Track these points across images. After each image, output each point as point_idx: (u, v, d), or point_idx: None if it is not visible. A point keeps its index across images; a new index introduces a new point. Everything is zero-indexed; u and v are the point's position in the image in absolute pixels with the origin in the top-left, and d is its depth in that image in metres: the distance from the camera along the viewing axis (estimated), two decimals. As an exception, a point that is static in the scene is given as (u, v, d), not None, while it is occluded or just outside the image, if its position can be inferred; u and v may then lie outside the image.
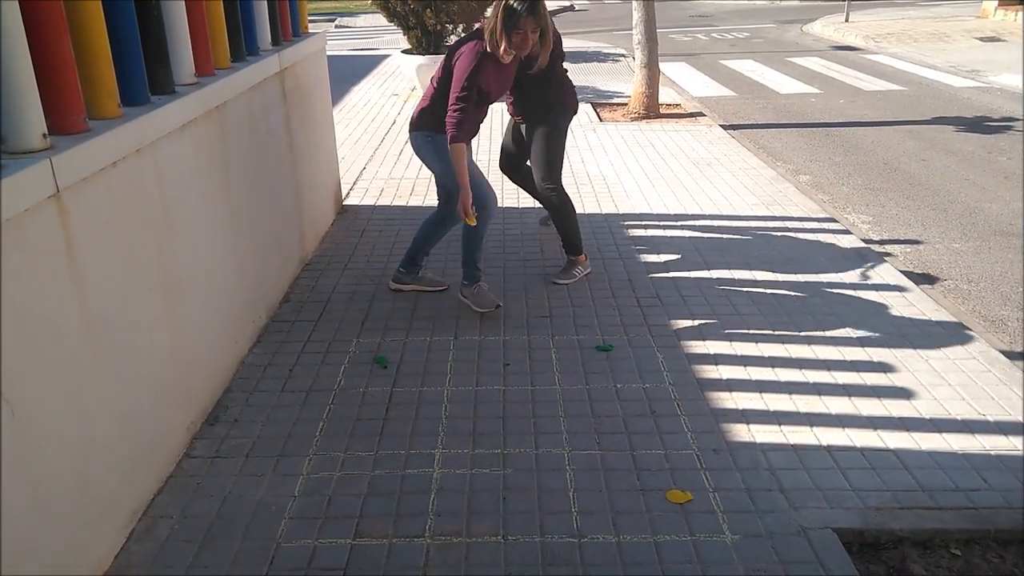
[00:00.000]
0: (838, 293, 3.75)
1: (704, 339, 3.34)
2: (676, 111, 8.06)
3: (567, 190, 3.91)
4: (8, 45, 1.83)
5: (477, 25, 3.47)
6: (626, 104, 8.16)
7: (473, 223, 3.41)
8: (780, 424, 2.74)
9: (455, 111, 3.26)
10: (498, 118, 7.68)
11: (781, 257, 4.17)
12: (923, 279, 4.15)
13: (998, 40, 12.81)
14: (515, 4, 3.23)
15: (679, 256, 4.24)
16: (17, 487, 1.78)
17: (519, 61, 3.52)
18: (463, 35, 9.23)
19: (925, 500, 2.36)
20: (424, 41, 8.90)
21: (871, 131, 7.46)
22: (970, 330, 3.40)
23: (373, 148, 6.74)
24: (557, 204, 3.89)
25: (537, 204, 5.13)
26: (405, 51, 9.21)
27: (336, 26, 17.90)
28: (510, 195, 5.32)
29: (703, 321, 3.49)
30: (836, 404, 2.86)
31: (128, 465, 2.28)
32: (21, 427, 1.79)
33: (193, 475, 2.52)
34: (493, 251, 4.35)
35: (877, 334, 3.35)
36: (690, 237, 4.51)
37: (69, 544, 1.99)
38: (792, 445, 2.63)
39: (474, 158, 3.78)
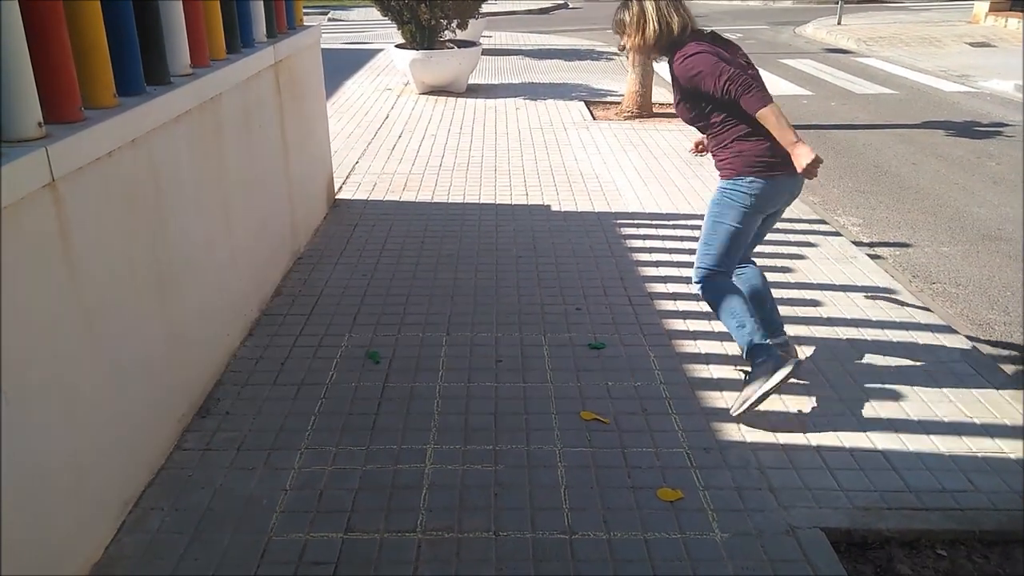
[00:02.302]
0: (827, 295, 3.77)
1: (695, 339, 3.35)
2: (669, 110, 8.06)
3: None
4: (5, 34, 1.82)
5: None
6: (619, 103, 8.17)
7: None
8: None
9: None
10: (491, 115, 7.67)
11: (771, 258, 4.20)
12: (912, 282, 4.19)
13: (989, 45, 12.90)
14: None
15: (671, 255, 4.25)
16: (8, 477, 1.77)
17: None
18: (457, 32, 9.26)
19: (912, 501, 2.39)
20: (418, 36, 8.88)
21: (862, 134, 7.50)
22: (958, 333, 3.43)
23: (366, 142, 6.73)
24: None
25: (527, 201, 5.14)
26: (399, 46, 9.19)
27: (329, 19, 17.82)
28: (502, 189, 5.34)
29: (694, 321, 3.50)
30: (825, 405, 2.88)
31: (119, 456, 2.27)
32: (13, 417, 1.78)
33: (184, 467, 2.52)
34: (485, 248, 4.36)
35: (866, 336, 3.37)
36: (682, 236, 4.52)
37: (60, 535, 1.99)
38: (782, 445, 2.65)
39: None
